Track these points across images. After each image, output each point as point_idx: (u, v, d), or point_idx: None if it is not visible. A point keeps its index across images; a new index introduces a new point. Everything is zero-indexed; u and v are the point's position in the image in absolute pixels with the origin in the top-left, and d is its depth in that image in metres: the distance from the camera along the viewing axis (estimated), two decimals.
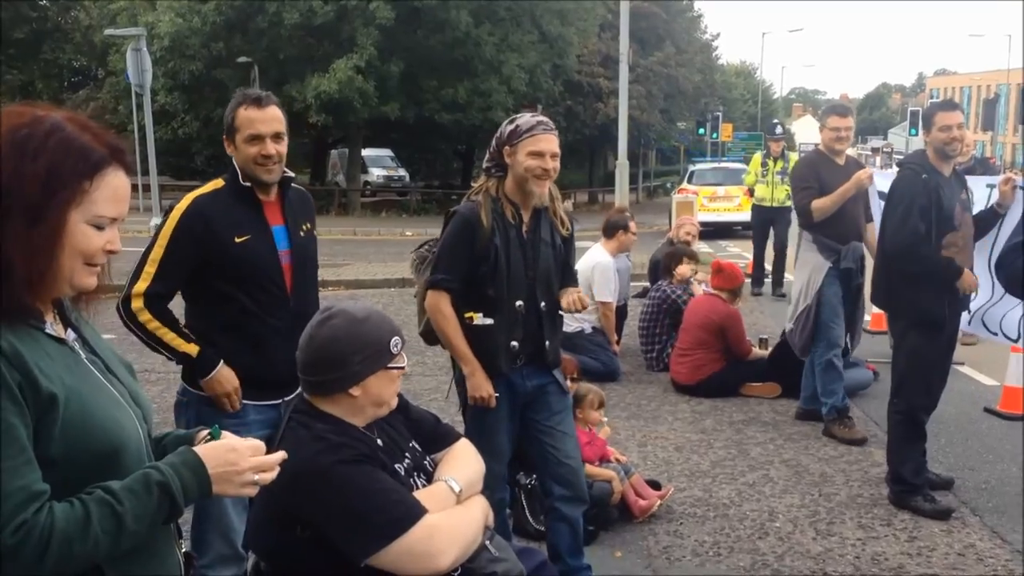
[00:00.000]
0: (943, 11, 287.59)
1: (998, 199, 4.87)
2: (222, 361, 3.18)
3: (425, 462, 2.70)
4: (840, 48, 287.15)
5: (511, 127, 3.50)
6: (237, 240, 3.17)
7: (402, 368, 2.46)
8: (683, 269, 8.12)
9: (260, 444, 1.86)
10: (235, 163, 3.24)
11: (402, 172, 35.91)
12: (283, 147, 3.26)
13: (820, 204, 5.86)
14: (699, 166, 25.68)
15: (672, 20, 36.78)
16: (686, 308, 7.53)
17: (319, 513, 2.32)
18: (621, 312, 8.38)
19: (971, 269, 4.83)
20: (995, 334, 5.31)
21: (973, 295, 5.09)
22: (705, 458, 5.70)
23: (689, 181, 23.40)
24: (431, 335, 3.73)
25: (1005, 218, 4.78)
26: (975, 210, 4.99)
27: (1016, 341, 5.22)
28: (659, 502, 4.76)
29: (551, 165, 3.45)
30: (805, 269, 6.18)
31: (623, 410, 6.77)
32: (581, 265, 7.84)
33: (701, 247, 18.27)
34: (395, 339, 2.45)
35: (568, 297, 3.57)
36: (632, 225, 8.03)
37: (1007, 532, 4.57)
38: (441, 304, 3.53)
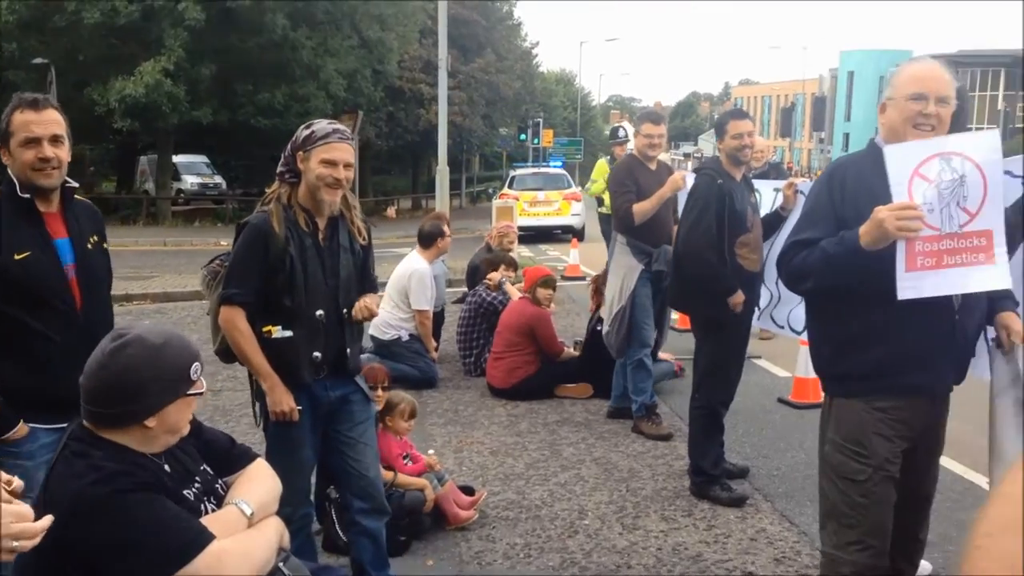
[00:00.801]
0: (746, 24, 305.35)
1: (782, 202, 5.20)
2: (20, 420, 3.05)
3: (217, 485, 2.61)
4: (653, 58, 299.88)
5: (307, 132, 3.43)
6: (17, 258, 2.98)
7: (200, 393, 2.37)
8: (499, 274, 8.22)
9: (26, 510, 1.74)
10: (10, 173, 3.04)
11: (218, 179, 34.63)
12: (63, 152, 3.08)
13: (641, 207, 6.05)
14: (520, 171, 26.16)
15: (492, 28, 37.27)
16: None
17: (94, 548, 2.19)
18: (438, 318, 8.40)
19: (762, 268, 5.16)
20: (782, 327, 5.67)
21: (773, 295, 5.45)
22: (520, 461, 5.79)
23: (510, 186, 23.77)
24: (227, 353, 3.58)
25: (787, 220, 5.11)
26: (762, 213, 5.33)
27: (801, 334, 5.59)
28: (476, 513, 4.80)
29: (344, 175, 3.39)
30: (619, 272, 6.38)
31: (440, 416, 6.79)
32: (397, 272, 7.82)
33: (522, 251, 18.70)
34: (195, 365, 2.35)
35: (356, 305, 3.54)
36: (447, 229, 8.06)
37: (795, 515, 4.87)
38: (236, 319, 3.41)
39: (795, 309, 5.47)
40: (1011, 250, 2.87)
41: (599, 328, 7.22)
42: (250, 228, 3.44)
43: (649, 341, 6.45)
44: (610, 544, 4.53)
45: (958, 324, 2.96)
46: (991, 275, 2.76)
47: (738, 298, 4.94)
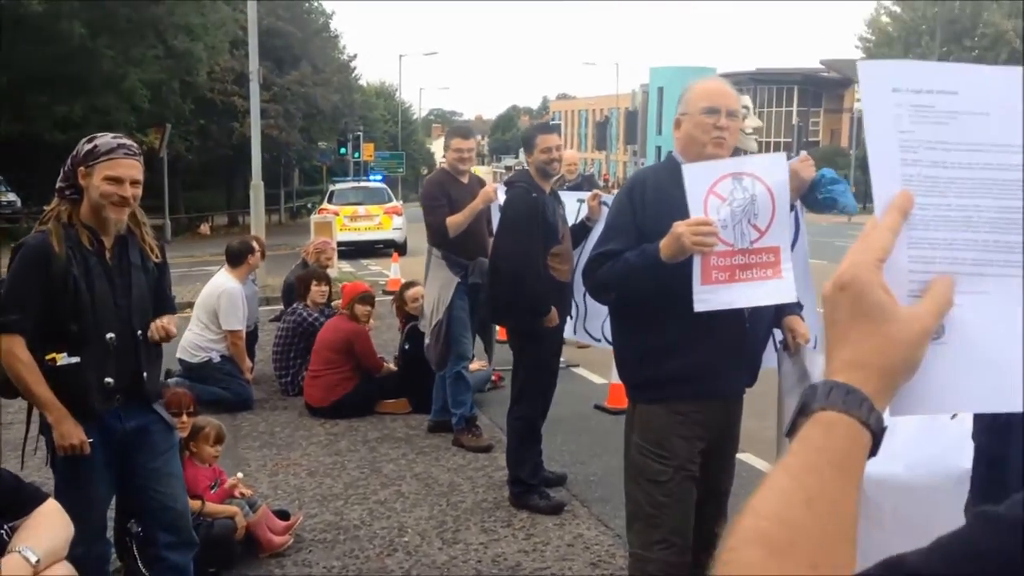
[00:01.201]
0: (562, 41, 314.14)
1: (588, 213, 5.33)
2: None
3: (1, 531, 2.40)
4: (473, 72, 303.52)
5: (88, 147, 3.21)
6: None
7: None
8: (315, 291, 8.05)
9: None
10: None
11: (12, 197, 32.29)
12: None
13: (455, 220, 6.05)
14: (340, 186, 25.77)
15: (308, 39, 36.63)
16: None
17: None
18: (252, 337, 8.13)
19: (573, 278, 5.27)
20: (599, 340, 5.81)
21: (579, 308, 5.58)
22: (338, 481, 5.66)
23: (330, 201, 23.38)
24: (7, 386, 3.27)
25: (592, 231, 5.24)
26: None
27: (600, 343, 5.74)
28: (291, 538, 4.64)
29: (131, 192, 3.20)
30: (435, 285, 6.36)
31: (255, 439, 6.55)
32: (206, 292, 7.51)
33: (343, 267, 18.44)
34: None
35: (152, 325, 3.35)
36: (256, 245, 7.82)
37: (611, 519, 4.99)
38: (15, 348, 3.15)
39: (606, 321, 5.63)
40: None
41: (407, 347, 7.21)
42: (26, 249, 3.19)
43: (467, 353, 6.47)
44: (430, 560, 4.49)
45: (748, 333, 3.13)
46: (778, 289, 2.91)
47: (552, 316, 5.04)
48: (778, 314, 3.27)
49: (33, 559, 2.32)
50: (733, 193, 2.87)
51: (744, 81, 58.04)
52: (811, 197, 3.55)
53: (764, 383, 3.39)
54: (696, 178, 2.91)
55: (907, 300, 0.85)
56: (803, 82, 56.58)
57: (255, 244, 7.85)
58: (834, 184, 3.58)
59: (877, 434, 0.80)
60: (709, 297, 2.87)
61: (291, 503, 5.21)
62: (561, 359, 5.98)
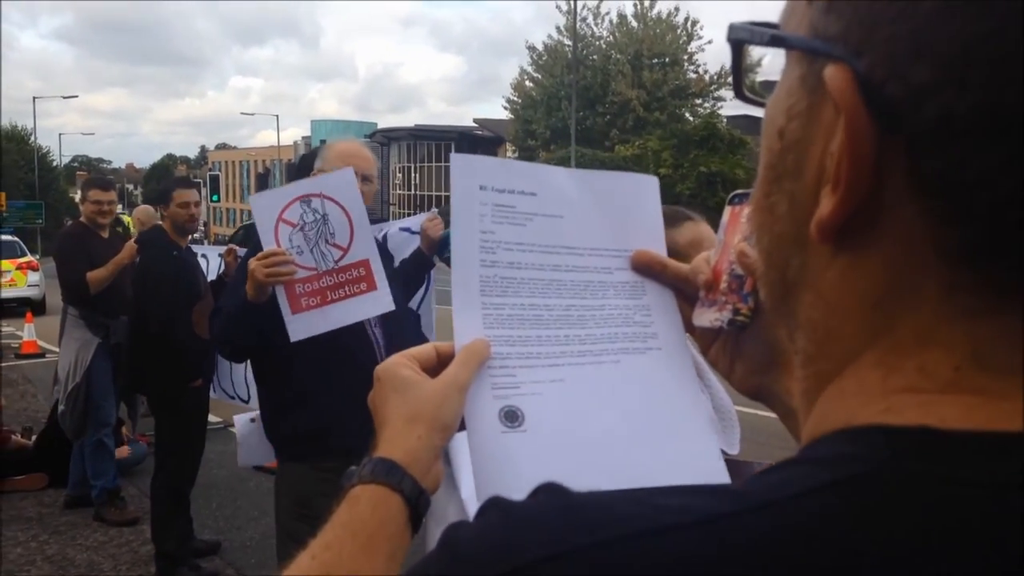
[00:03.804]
0: (216, 95, 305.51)
1: (225, 269, 5.21)
2: None
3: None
4: (119, 118, 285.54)
5: None
6: None
7: None
8: None
9: None
10: None
11: None
12: None
13: (96, 275, 5.62)
14: None
15: None
16: None
17: None
18: None
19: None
20: (233, 398, 5.66)
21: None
22: None
23: None
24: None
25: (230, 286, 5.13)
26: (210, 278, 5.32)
27: (248, 401, 5.60)
28: None
29: None
30: (72, 346, 5.87)
31: None
32: None
33: None
34: None
35: None
36: None
37: None
38: None
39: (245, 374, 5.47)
40: (409, 295, 3.12)
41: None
42: None
43: (110, 419, 6.01)
44: None
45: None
46: (376, 301, 2.86)
47: (198, 381, 4.86)
48: None
49: None
50: (303, 217, 2.80)
51: (405, 137, 60.06)
52: (444, 253, 3.73)
53: None
54: (263, 209, 2.83)
55: (492, 401, 0.89)
56: (459, 139, 59.49)
57: None
58: None
59: (411, 498, 0.81)
60: (301, 326, 2.77)
61: None
62: (218, 418, 5.75)
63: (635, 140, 37.89)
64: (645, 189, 1.07)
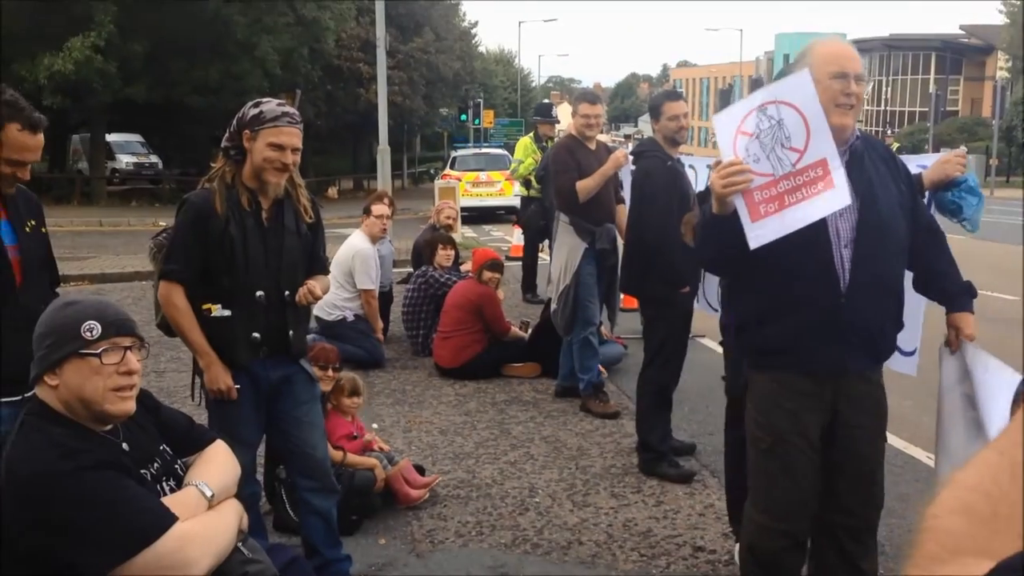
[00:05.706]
0: (683, 7, 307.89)
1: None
2: None
3: (176, 466, 2.57)
4: (592, 39, 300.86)
5: (255, 111, 3.36)
6: None
7: (97, 356, 2.27)
8: (441, 255, 8.20)
9: None
10: None
11: (154, 159, 33.82)
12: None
13: (584, 185, 6.04)
14: (461, 152, 26.06)
15: (430, 7, 36.98)
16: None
17: (55, 527, 2.15)
18: (386, 298, 8.35)
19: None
20: (716, 310, 5.75)
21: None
22: (469, 440, 5.80)
23: (452, 167, 23.68)
24: (169, 327, 3.55)
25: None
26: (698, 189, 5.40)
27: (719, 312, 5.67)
28: (427, 492, 4.78)
29: (291, 159, 3.35)
30: (563, 250, 6.38)
31: (388, 396, 6.75)
32: (341, 253, 7.73)
33: (465, 232, 18.66)
34: (88, 323, 2.27)
35: (299, 291, 3.49)
36: (375, 208, 7.90)
37: None
38: (173, 295, 3.37)
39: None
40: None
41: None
42: (189, 206, 3.39)
43: (594, 319, 6.49)
44: (561, 521, 4.56)
45: (845, 307, 2.87)
46: (832, 198, 2.76)
47: (685, 287, 5.08)
48: (947, 307, 3.14)
49: (208, 493, 2.46)
50: (759, 126, 2.77)
51: (877, 47, 55.72)
52: (941, 194, 3.42)
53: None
54: (723, 126, 2.83)
55: None
56: (941, 48, 53.90)
57: (374, 208, 7.94)
58: (970, 194, 3.42)
59: None
60: (760, 232, 2.76)
61: (425, 459, 5.36)
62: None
63: None
64: None
